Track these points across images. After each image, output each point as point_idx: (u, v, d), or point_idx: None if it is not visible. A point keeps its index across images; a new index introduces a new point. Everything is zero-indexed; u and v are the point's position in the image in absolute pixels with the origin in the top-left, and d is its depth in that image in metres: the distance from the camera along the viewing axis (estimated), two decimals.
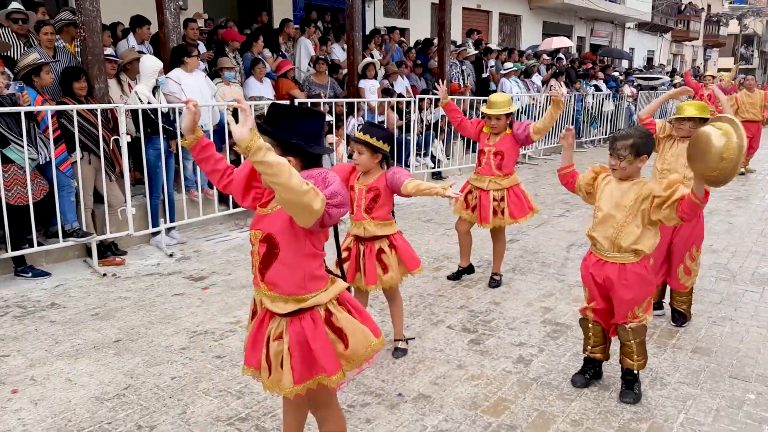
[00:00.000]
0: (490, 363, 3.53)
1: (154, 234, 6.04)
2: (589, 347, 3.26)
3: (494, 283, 4.88)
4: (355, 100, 8.34)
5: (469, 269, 5.13)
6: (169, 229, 6.11)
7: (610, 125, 15.73)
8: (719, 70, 39.05)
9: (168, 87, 6.31)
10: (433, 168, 10.06)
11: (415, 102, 9.21)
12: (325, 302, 2.09)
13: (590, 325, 3.23)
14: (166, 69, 6.42)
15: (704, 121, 3.67)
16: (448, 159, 10.69)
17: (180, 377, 3.38)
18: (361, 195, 3.45)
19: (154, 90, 5.87)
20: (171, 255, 5.74)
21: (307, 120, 2.07)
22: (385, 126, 9.03)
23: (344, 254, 3.51)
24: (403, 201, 8.35)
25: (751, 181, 9.87)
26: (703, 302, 4.50)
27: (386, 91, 9.61)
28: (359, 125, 8.88)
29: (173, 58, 6.49)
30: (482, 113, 4.75)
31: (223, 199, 6.61)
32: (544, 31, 19.47)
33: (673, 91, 4.54)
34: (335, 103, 8.23)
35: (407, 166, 9.26)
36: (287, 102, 7.67)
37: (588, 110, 14.94)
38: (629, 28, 26.18)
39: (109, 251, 5.73)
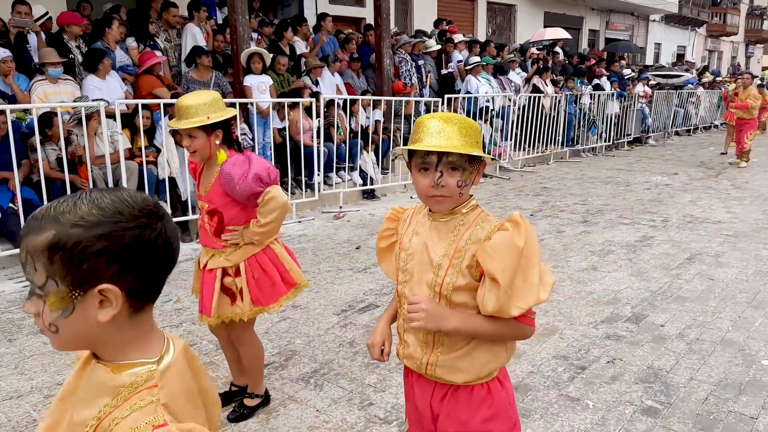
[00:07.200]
0: None
1: None
2: None
3: (236, 415, 2.77)
4: (232, 100, 6.34)
5: (244, 391, 3.01)
6: None
7: (616, 131, 13.33)
8: (763, 68, 35.55)
9: None
10: (364, 186, 8.02)
11: (320, 103, 7.20)
12: None
13: None
14: None
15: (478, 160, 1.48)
16: (385, 174, 8.62)
17: None
18: None
19: None
20: None
21: None
22: (287, 133, 7.06)
23: None
24: None
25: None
26: None
27: (294, 92, 7.62)
28: (242, 134, 6.91)
29: None
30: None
31: None
32: (546, 23, 16.91)
33: None
34: None
35: (309, 183, 7.23)
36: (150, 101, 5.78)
37: (585, 113, 12.58)
38: (654, 20, 23.46)
39: None
